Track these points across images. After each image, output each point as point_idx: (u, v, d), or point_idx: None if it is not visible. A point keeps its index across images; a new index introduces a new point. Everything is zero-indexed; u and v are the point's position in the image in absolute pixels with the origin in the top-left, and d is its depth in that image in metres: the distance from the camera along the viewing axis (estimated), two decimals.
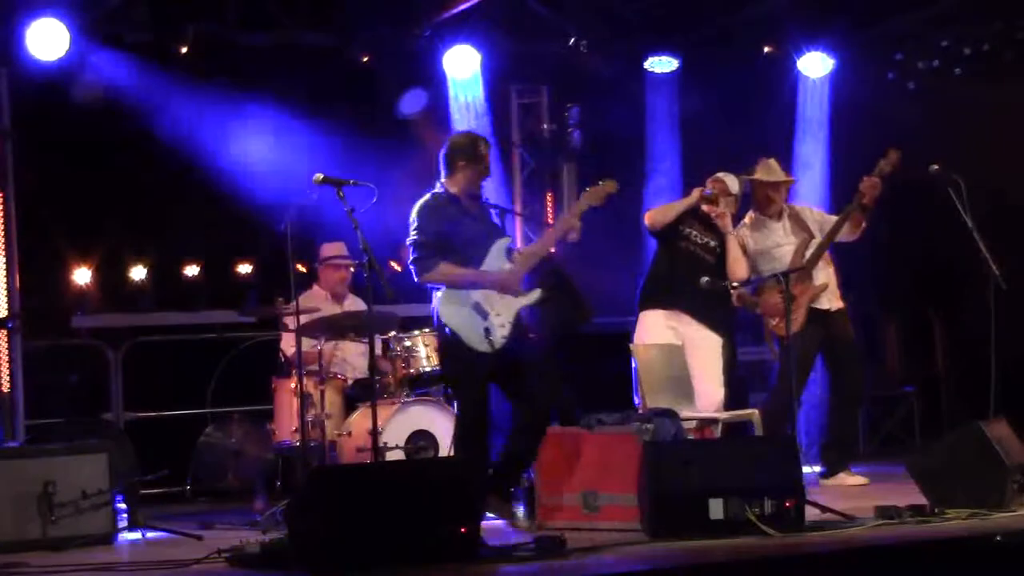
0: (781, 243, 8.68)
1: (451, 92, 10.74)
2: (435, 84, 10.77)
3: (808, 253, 8.53)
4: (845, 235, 8.66)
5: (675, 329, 8.35)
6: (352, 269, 9.01)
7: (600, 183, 7.50)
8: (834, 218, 8.70)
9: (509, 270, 7.17)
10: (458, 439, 7.26)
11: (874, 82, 10.97)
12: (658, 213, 8.56)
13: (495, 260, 7.19)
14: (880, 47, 10.92)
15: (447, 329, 7.12)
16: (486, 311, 7.04)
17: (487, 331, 6.99)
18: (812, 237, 8.62)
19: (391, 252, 10.71)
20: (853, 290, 9.34)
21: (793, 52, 10.92)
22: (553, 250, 7.42)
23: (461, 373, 7.16)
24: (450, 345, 7.14)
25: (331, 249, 9.05)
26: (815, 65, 10.96)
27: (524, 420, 7.16)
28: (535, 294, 7.22)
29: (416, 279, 7.23)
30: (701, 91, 10.98)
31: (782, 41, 10.84)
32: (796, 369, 7.93)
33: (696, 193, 8.51)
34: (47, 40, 9.13)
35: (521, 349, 7.14)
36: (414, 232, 7.17)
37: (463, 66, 10.62)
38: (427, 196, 7.25)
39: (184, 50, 9.74)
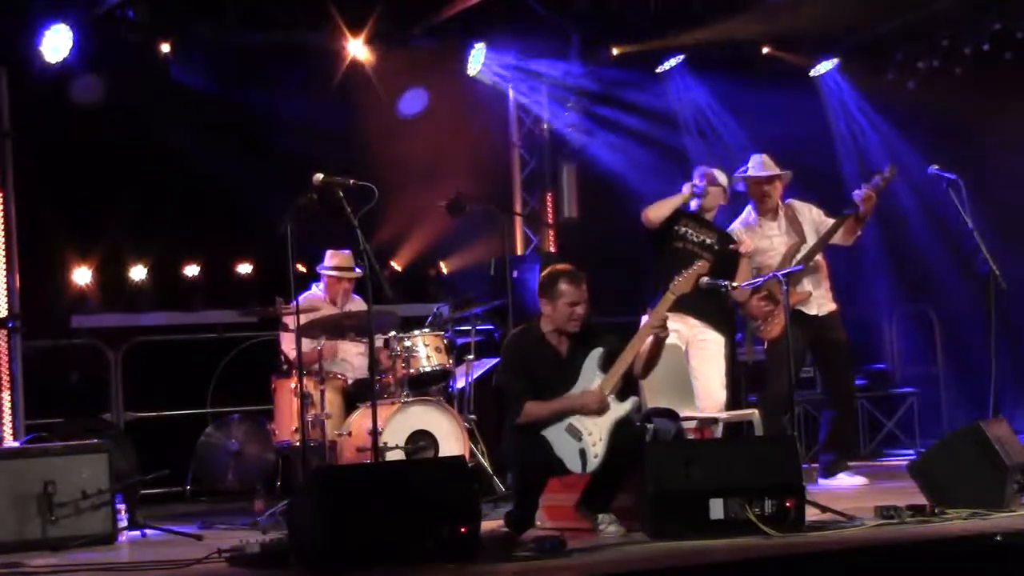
0: (776, 243, 8.66)
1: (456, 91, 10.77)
2: (438, 83, 10.77)
3: (798, 257, 8.52)
4: (839, 241, 8.65)
5: (678, 332, 8.31)
6: (353, 281, 8.98)
7: (690, 269, 7.05)
8: (831, 221, 8.68)
9: (596, 388, 6.72)
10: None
11: (874, 82, 10.98)
12: (654, 209, 8.49)
13: (585, 380, 6.77)
14: (880, 47, 10.93)
15: (542, 434, 6.69)
16: (579, 432, 6.68)
17: (582, 453, 6.64)
18: (803, 241, 8.61)
19: (392, 252, 10.77)
20: (853, 290, 9.35)
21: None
22: (644, 350, 6.76)
23: (539, 468, 6.68)
24: (539, 445, 6.67)
25: (334, 259, 8.99)
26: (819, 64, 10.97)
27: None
28: (628, 404, 6.76)
29: (513, 423, 6.77)
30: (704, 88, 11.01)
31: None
32: (782, 370, 7.92)
33: (687, 188, 8.48)
34: (48, 40, 9.15)
35: (616, 458, 6.67)
36: (501, 373, 7.00)
37: (467, 65, 10.64)
38: (516, 332, 7.03)
39: (182, 50, 9.75)
